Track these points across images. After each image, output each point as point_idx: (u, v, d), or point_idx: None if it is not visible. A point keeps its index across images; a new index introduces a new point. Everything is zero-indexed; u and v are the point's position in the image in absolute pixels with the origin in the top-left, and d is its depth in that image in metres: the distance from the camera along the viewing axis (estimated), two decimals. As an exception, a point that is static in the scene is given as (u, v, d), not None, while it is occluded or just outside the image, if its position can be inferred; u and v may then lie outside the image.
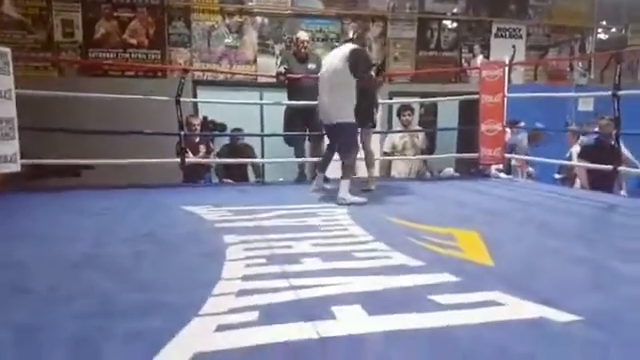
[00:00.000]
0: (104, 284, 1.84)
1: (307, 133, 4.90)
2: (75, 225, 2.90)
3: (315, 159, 4.76)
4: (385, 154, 5.42)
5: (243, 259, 2.13)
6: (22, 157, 3.71)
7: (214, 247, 2.34)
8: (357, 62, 3.66)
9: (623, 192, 4.89)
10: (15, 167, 3.65)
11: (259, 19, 6.95)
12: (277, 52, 6.73)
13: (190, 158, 4.85)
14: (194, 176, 5.11)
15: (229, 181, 5.31)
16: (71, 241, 2.48)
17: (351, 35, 4.35)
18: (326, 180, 4.19)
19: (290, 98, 4.90)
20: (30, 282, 1.87)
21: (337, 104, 3.70)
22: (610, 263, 2.08)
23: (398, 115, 5.42)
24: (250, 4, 6.89)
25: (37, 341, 1.38)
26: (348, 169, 3.73)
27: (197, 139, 5.14)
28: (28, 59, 6.26)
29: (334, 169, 4.19)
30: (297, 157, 5.02)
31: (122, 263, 2.12)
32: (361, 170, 4.56)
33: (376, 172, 4.58)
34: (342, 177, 3.71)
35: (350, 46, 3.77)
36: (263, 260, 2.10)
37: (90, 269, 2.05)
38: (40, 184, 4.80)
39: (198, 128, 5.16)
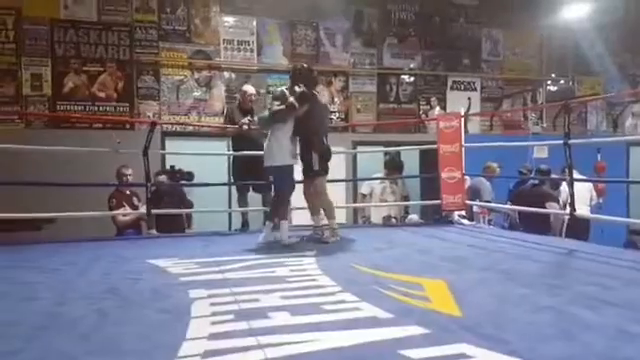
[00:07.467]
0: (66, 347, 1.76)
1: (253, 182, 4.89)
2: (35, 283, 2.76)
3: (264, 208, 4.86)
4: (363, 196, 5.55)
5: (209, 315, 2.08)
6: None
7: (179, 303, 2.28)
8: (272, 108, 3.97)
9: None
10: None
11: (227, 74, 7.13)
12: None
13: (127, 211, 4.85)
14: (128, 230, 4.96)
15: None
16: (31, 300, 2.38)
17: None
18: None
19: (234, 148, 5.03)
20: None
21: (272, 149, 3.97)
22: (573, 310, 2.13)
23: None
24: (218, 60, 7.08)
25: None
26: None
27: (128, 191, 5.03)
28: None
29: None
30: (240, 205, 5.08)
31: (84, 323, 2.03)
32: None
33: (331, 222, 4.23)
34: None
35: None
36: (230, 316, 2.05)
37: (52, 330, 1.96)
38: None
39: (130, 179, 4.98)
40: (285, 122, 3.94)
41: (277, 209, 4.07)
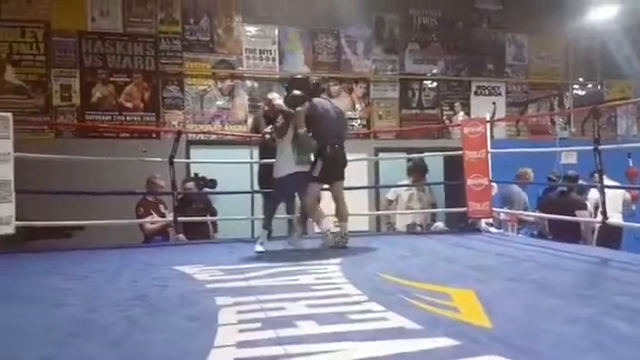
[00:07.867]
0: (97, 354, 1.79)
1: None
2: (65, 289, 2.82)
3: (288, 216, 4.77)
4: (389, 202, 5.54)
5: (236, 323, 2.08)
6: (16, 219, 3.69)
7: (206, 310, 2.29)
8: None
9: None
10: (8, 229, 3.62)
11: (249, 83, 7.22)
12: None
13: (155, 218, 4.97)
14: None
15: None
16: (62, 307, 2.43)
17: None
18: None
19: (261, 157, 5.09)
20: (24, 352, 1.81)
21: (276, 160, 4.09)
22: (608, 321, 2.06)
23: None
24: (240, 69, 7.18)
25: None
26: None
27: (155, 199, 5.15)
28: (26, 123, 6.36)
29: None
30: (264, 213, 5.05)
31: (114, 330, 2.06)
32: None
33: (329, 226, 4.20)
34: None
35: None
36: (257, 324, 2.05)
37: (83, 337, 1.99)
38: (31, 245, 4.73)
39: (163, 189, 5.10)
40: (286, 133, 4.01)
41: (300, 221, 4.24)
